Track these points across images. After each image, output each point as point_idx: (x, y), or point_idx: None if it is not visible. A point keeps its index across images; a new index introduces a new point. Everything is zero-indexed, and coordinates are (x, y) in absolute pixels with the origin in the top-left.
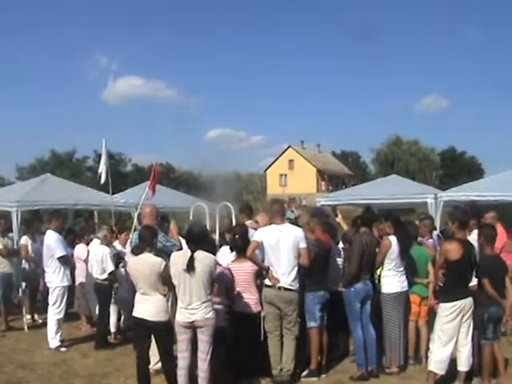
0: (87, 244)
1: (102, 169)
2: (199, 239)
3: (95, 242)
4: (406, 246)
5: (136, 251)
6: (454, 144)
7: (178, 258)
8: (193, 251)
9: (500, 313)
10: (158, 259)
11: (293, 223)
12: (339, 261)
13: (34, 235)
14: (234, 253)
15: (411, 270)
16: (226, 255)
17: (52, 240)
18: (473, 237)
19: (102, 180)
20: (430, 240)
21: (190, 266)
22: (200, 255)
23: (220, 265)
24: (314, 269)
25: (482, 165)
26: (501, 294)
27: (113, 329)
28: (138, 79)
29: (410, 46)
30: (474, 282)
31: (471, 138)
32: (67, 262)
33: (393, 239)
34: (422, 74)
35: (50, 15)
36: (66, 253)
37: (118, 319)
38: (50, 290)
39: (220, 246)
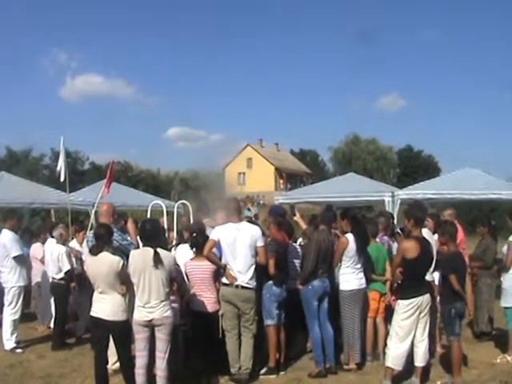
0: (44, 243)
1: (61, 166)
2: (153, 236)
3: (50, 241)
4: (363, 243)
5: (94, 251)
6: (410, 143)
7: (138, 256)
8: (153, 248)
9: (464, 308)
10: (116, 258)
11: (251, 221)
12: (296, 259)
13: None
14: (193, 250)
15: (370, 267)
16: (184, 253)
17: (7, 239)
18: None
19: (62, 178)
20: (385, 237)
21: (157, 261)
22: (161, 253)
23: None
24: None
25: (438, 163)
26: (463, 289)
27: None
28: (96, 77)
29: (369, 45)
30: (428, 277)
31: (428, 136)
32: (23, 261)
33: (350, 237)
34: (381, 73)
35: (8, 11)
36: (21, 252)
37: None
38: (6, 290)
39: (178, 245)
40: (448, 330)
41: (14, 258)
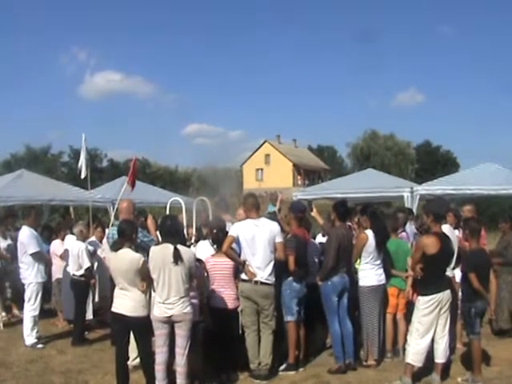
0: (63, 240)
1: (82, 162)
2: (173, 232)
3: (70, 238)
4: (382, 239)
5: (115, 246)
6: (429, 138)
7: (158, 252)
8: (173, 244)
9: (485, 307)
10: (137, 255)
11: (271, 218)
12: (316, 255)
13: (4, 232)
14: (215, 246)
15: (390, 262)
16: (204, 249)
17: (25, 236)
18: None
19: (83, 175)
20: (403, 233)
21: (177, 258)
22: (181, 250)
23: (200, 260)
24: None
25: (456, 159)
26: (486, 288)
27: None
28: (115, 74)
29: (386, 42)
30: (449, 273)
31: (446, 132)
32: (41, 258)
33: (369, 233)
34: (399, 69)
35: (27, 10)
36: (39, 249)
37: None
38: (25, 287)
39: (197, 241)
40: (468, 329)
41: (31, 254)
